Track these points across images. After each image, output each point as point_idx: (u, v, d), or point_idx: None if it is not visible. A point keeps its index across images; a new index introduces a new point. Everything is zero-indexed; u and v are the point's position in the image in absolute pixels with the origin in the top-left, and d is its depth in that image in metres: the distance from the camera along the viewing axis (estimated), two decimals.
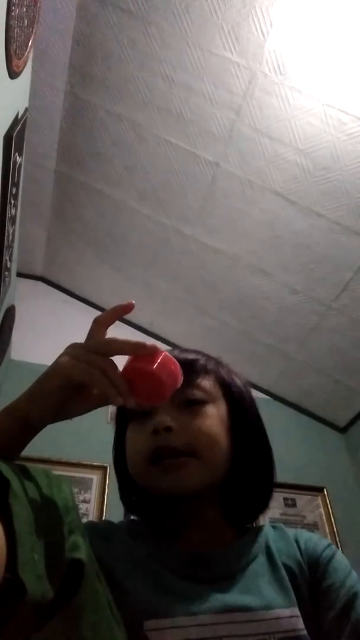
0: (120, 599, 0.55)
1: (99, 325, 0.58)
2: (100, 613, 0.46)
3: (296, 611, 0.58)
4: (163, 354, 0.56)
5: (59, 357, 0.56)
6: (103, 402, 0.57)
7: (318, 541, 0.68)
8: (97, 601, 0.46)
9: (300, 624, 0.57)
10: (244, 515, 0.71)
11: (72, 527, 0.47)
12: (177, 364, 0.57)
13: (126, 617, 0.53)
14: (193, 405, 0.68)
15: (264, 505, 0.72)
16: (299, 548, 0.66)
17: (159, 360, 0.55)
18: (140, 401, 0.56)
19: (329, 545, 0.67)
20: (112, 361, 0.55)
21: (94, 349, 0.55)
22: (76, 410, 0.58)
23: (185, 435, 0.65)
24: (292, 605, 0.58)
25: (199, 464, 0.64)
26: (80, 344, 0.57)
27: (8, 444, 0.55)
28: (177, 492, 0.64)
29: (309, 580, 0.62)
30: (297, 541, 0.68)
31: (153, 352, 0.55)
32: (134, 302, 0.59)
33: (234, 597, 0.58)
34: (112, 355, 0.55)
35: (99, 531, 0.68)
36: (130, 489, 0.75)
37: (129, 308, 0.59)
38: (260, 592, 0.59)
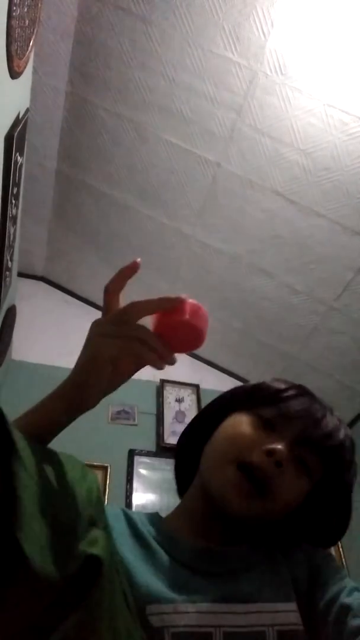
0: (125, 582, 0.56)
1: (111, 294, 0.57)
2: (116, 612, 0.46)
3: (295, 606, 0.59)
4: (188, 301, 0.55)
5: (92, 340, 0.55)
6: (142, 365, 0.57)
7: (318, 548, 0.70)
8: (113, 600, 0.46)
9: (298, 619, 0.58)
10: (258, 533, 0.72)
11: (95, 520, 0.46)
12: (201, 306, 0.56)
13: (131, 601, 0.54)
14: (302, 465, 0.64)
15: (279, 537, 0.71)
16: (301, 554, 0.68)
17: (188, 309, 0.55)
18: (181, 351, 0.56)
19: (328, 552, 0.69)
20: (143, 327, 0.54)
21: (121, 320, 0.55)
22: (120, 381, 0.58)
23: (283, 484, 0.63)
24: (291, 600, 0.60)
25: (266, 508, 0.63)
26: (104, 319, 0.56)
27: (56, 430, 0.57)
28: (222, 503, 0.63)
29: (309, 582, 0.64)
30: (298, 546, 0.69)
31: (179, 302, 0.54)
32: (139, 259, 0.57)
33: (235, 589, 0.60)
34: (139, 319, 0.55)
35: (114, 514, 0.69)
36: (187, 458, 0.76)
37: (134, 267, 0.57)
38: (261, 586, 0.61)
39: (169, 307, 0.54)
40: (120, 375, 0.57)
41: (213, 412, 0.74)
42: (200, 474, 0.70)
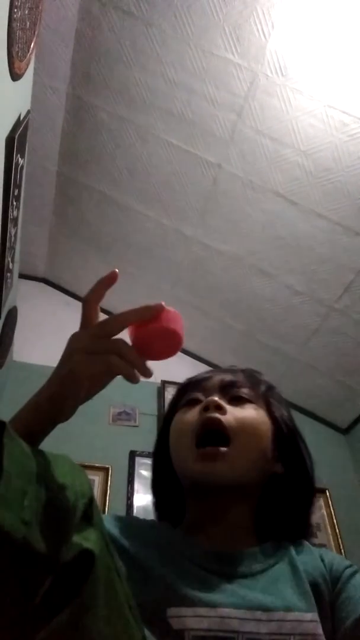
0: (144, 585, 0.57)
1: (89, 304, 0.57)
2: (116, 611, 0.45)
3: (316, 616, 0.58)
4: (167, 308, 0.56)
5: (72, 357, 0.54)
6: (115, 376, 0.57)
7: (342, 560, 0.69)
8: (112, 598, 0.44)
9: (319, 629, 0.57)
10: (275, 531, 0.72)
11: (89, 515, 0.45)
12: (178, 312, 0.57)
13: (149, 603, 0.54)
14: (240, 401, 0.72)
15: (300, 527, 0.73)
16: (324, 564, 0.67)
17: (167, 316, 0.55)
18: (157, 359, 0.56)
19: (352, 564, 0.68)
20: (122, 340, 0.54)
21: (101, 334, 0.54)
22: (94, 393, 0.58)
23: (232, 418, 0.68)
24: (313, 610, 0.59)
25: (237, 457, 0.66)
26: (83, 333, 0.56)
27: (35, 442, 0.56)
28: (208, 479, 0.65)
29: (331, 594, 0.63)
30: (322, 558, 0.68)
31: (159, 310, 0.55)
32: (117, 270, 0.58)
33: (255, 595, 0.59)
34: (119, 332, 0.54)
35: (124, 522, 0.70)
36: (164, 480, 0.77)
37: (113, 277, 0.57)
38: (282, 594, 0.60)
39: (148, 316, 0.55)
40: (96, 387, 0.57)
41: (168, 420, 0.79)
42: (183, 482, 0.71)
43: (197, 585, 0.59)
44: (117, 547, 0.61)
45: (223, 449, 0.65)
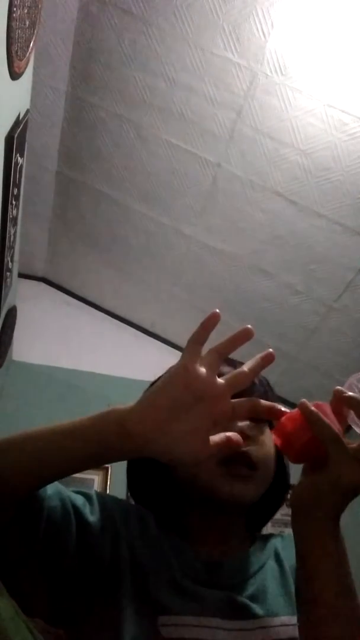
0: (140, 590, 0.57)
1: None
2: None
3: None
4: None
5: None
6: None
7: None
8: None
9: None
10: (261, 523, 0.73)
11: None
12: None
13: (143, 609, 0.55)
14: (259, 422, 0.67)
15: (275, 509, 0.74)
16: None
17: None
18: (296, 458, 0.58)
19: None
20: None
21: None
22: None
23: (257, 449, 0.65)
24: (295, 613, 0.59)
25: (260, 479, 0.65)
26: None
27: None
28: (238, 501, 0.63)
29: None
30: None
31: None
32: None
33: (243, 604, 0.60)
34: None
35: (136, 511, 0.69)
36: (148, 483, 0.74)
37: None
38: (268, 599, 0.61)
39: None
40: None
41: None
42: (192, 493, 0.68)
43: (189, 595, 0.59)
44: (124, 538, 0.62)
45: (252, 471, 0.64)
